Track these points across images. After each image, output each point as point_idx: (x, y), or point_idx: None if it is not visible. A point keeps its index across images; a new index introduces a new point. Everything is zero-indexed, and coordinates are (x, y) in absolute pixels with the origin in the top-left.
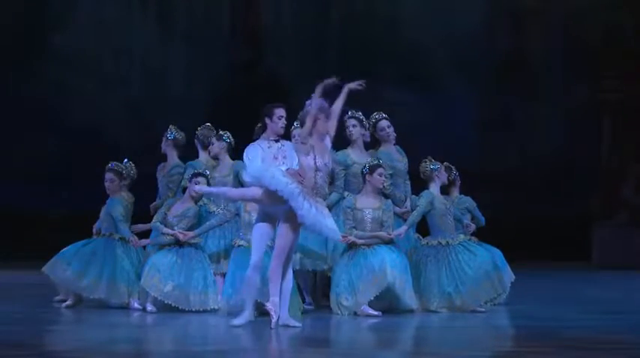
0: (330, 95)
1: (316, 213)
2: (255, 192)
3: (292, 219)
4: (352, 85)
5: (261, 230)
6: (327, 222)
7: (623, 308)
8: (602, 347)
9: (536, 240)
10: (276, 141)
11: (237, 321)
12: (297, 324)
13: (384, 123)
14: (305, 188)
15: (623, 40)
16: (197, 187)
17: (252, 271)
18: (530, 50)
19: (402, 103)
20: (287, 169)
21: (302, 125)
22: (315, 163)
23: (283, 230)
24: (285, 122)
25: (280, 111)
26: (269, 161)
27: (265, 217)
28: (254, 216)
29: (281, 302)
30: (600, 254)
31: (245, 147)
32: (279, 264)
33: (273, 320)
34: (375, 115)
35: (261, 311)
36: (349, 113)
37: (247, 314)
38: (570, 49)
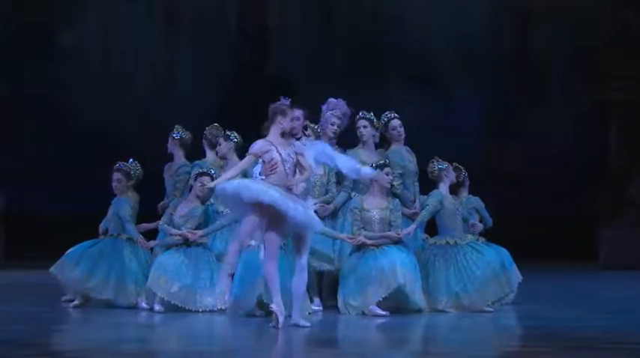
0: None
1: (302, 209)
2: (250, 222)
3: (276, 221)
4: None
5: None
6: (312, 213)
7: (630, 308)
8: (610, 347)
9: (543, 240)
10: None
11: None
12: (307, 324)
13: (396, 122)
14: (279, 180)
15: (631, 40)
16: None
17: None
18: (537, 50)
19: (408, 103)
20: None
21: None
22: (281, 155)
23: (271, 233)
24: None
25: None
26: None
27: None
28: None
29: (293, 302)
30: (607, 254)
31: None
32: (275, 264)
33: (280, 321)
34: (387, 114)
35: (267, 312)
36: (360, 114)
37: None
38: (577, 48)
